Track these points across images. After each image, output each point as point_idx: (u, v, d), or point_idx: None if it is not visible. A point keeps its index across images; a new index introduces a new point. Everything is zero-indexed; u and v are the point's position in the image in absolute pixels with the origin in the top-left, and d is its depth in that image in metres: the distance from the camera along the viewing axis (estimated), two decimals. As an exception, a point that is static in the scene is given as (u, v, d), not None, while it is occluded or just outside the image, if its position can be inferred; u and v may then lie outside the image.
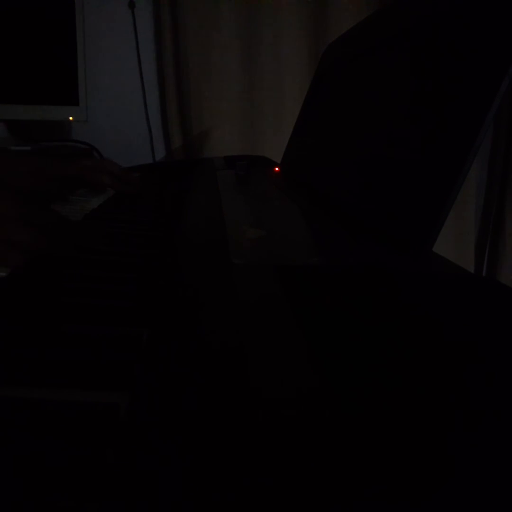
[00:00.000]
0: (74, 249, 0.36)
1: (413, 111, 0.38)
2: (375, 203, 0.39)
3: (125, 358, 0.20)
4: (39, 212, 0.36)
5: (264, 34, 1.31)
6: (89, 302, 0.26)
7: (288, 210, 0.50)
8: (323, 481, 0.13)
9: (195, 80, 1.32)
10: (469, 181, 1.35)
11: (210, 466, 0.13)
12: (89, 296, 0.28)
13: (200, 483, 0.13)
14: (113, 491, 0.13)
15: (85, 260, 0.34)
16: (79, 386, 0.19)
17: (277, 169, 0.85)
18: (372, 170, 0.42)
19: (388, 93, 0.44)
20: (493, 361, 0.19)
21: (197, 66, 1.31)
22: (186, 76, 1.32)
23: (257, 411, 0.16)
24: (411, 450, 0.14)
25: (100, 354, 0.21)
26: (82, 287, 0.29)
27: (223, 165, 0.91)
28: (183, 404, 0.16)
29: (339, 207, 0.46)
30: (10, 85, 1.13)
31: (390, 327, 0.22)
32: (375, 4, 1.27)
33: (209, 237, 0.38)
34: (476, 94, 0.31)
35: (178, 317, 0.24)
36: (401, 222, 0.35)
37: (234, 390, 0.17)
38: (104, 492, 0.13)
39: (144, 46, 1.35)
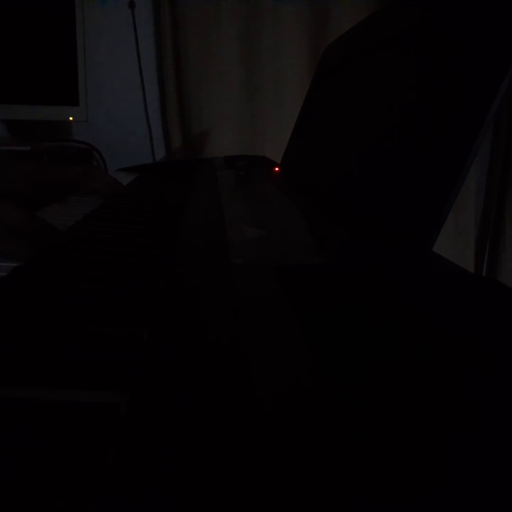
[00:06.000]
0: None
1: (413, 111, 0.38)
2: (375, 203, 0.39)
3: (125, 358, 0.20)
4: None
5: (264, 34, 1.31)
6: (89, 302, 0.26)
7: (288, 210, 0.50)
8: (323, 482, 0.13)
9: (195, 80, 1.32)
10: (469, 181, 1.35)
11: (210, 466, 0.13)
12: (89, 296, 0.28)
13: (200, 483, 0.13)
14: (113, 491, 0.13)
15: (85, 260, 0.34)
16: (79, 386, 0.19)
17: (277, 169, 0.85)
18: (372, 170, 0.42)
19: (388, 93, 0.44)
20: (493, 362, 0.19)
21: (197, 66, 1.31)
22: (186, 76, 1.32)
23: (257, 412, 0.16)
24: (412, 452, 0.14)
25: (100, 354, 0.21)
26: (82, 287, 0.29)
27: (223, 165, 0.91)
28: (183, 404, 0.16)
29: (339, 207, 0.46)
30: (10, 85, 1.13)
31: (390, 327, 0.22)
32: (375, 4, 1.27)
33: (209, 237, 0.38)
34: (476, 94, 0.31)
35: (178, 317, 0.24)
36: (401, 222, 0.35)
37: (234, 390, 0.17)
38: (104, 492, 0.13)
39: (144, 46, 1.35)
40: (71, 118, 1.17)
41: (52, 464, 0.14)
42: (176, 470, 0.13)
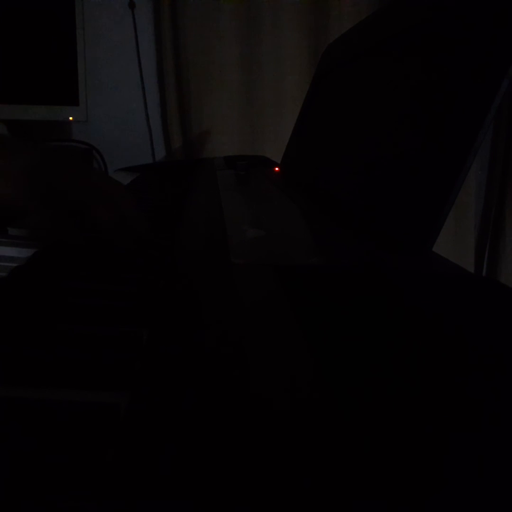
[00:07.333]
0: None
1: (413, 111, 0.38)
2: (375, 203, 0.39)
3: (126, 358, 0.20)
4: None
5: (264, 34, 1.31)
6: (90, 302, 0.26)
7: (288, 210, 0.50)
8: (323, 483, 0.13)
9: (195, 80, 1.32)
10: (469, 181, 1.35)
11: (209, 467, 0.13)
12: (89, 296, 0.28)
13: (199, 483, 0.13)
14: (113, 491, 0.13)
15: (86, 260, 0.34)
16: (79, 386, 0.19)
17: (277, 169, 0.85)
18: (372, 170, 0.42)
19: (388, 93, 0.44)
20: (493, 362, 0.19)
21: (197, 66, 1.31)
22: (186, 76, 1.32)
23: (257, 412, 0.16)
24: (411, 452, 0.14)
25: (101, 354, 0.21)
26: (83, 287, 0.29)
27: (223, 165, 0.91)
28: (183, 404, 0.16)
29: (339, 207, 0.46)
30: (10, 85, 1.13)
31: (390, 327, 0.22)
32: (375, 4, 1.27)
33: (209, 237, 0.38)
34: (476, 95, 0.31)
35: (178, 317, 0.24)
36: (401, 222, 0.35)
37: (234, 390, 0.17)
38: (104, 492, 0.13)
39: (144, 46, 1.35)
40: (71, 118, 1.17)
41: (52, 464, 0.14)
42: (176, 470, 0.13)
